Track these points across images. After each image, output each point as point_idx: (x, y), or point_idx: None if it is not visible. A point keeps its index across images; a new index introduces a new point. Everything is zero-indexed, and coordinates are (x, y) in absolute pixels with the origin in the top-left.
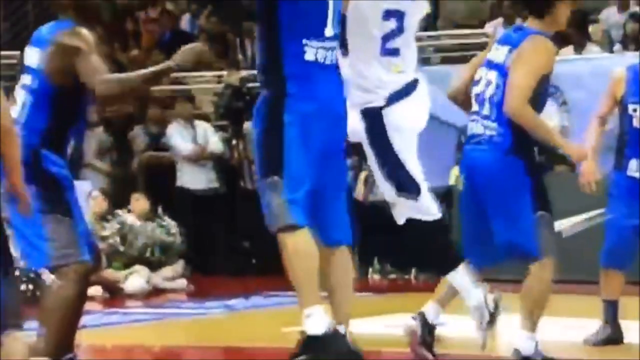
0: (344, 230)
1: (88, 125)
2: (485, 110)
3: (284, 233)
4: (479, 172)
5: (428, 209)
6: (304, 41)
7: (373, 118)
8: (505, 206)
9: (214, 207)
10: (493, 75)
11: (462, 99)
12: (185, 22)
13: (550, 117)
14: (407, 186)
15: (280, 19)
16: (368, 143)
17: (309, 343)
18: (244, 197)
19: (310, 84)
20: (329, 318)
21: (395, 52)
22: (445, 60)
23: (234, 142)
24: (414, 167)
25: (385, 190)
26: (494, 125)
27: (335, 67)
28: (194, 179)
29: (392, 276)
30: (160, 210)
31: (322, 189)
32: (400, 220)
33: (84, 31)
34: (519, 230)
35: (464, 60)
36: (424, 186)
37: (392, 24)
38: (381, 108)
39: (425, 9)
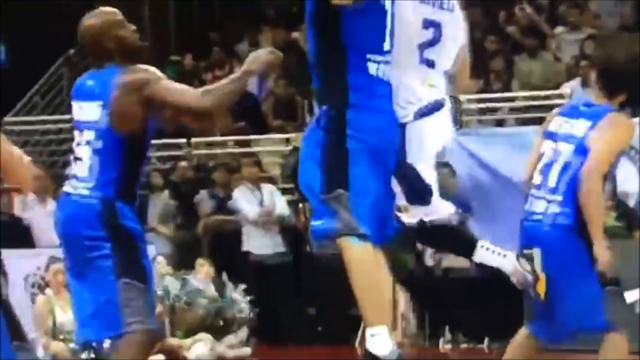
0: (390, 231)
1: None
2: (551, 182)
3: (351, 240)
4: (542, 252)
5: (440, 209)
6: (368, 56)
7: None
8: (570, 285)
9: (280, 272)
10: (565, 148)
11: None
12: (252, 84)
13: (627, 180)
14: (421, 196)
15: (343, 34)
16: None
17: None
18: (310, 262)
19: (372, 96)
20: (394, 339)
21: (431, 64)
22: (520, 122)
23: (300, 205)
24: (427, 173)
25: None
26: (559, 199)
27: (389, 81)
28: (260, 243)
29: (465, 345)
30: (225, 276)
31: (379, 198)
32: (411, 221)
33: (142, 66)
34: (586, 307)
35: (540, 121)
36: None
37: (429, 33)
38: (406, 124)
39: (463, 30)
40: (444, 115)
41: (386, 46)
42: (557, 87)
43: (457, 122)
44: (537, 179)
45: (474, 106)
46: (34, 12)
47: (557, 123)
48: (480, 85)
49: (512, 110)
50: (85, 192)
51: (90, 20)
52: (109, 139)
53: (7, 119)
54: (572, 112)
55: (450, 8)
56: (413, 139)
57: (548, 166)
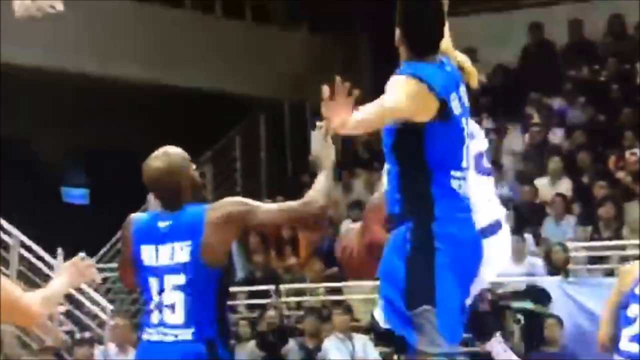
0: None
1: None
2: None
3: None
4: None
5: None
6: (451, 172)
7: None
8: None
9: None
10: None
11: None
12: (344, 228)
13: None
14: None
15: (427, 156)
16: None
17: None
18: None
19: (458, 210)
20: None
21: (488, 172)
22: None
23: (395, 357)
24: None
25: None
26: None
27: (467, 196)
28: None
29: None
30: None
31: (463, 311)
32: None
33: (228, 199)
34: None
35: None
36: None
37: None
38: None
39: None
40: (502, 239)
41: (464, 163)
42: None
43: (565, 270)
44: (631, 347)
45: (582, 254)
46: (116, 160)
47: None
48: (588, 232)
49: (623, 259)
50: (187, 337)
51: (159, 163)
52: (202, 277)
53: None
54: None
55: None
56: None
57: None
